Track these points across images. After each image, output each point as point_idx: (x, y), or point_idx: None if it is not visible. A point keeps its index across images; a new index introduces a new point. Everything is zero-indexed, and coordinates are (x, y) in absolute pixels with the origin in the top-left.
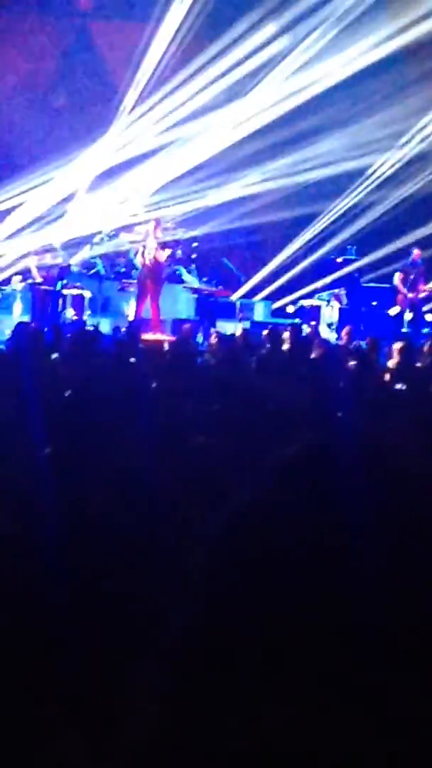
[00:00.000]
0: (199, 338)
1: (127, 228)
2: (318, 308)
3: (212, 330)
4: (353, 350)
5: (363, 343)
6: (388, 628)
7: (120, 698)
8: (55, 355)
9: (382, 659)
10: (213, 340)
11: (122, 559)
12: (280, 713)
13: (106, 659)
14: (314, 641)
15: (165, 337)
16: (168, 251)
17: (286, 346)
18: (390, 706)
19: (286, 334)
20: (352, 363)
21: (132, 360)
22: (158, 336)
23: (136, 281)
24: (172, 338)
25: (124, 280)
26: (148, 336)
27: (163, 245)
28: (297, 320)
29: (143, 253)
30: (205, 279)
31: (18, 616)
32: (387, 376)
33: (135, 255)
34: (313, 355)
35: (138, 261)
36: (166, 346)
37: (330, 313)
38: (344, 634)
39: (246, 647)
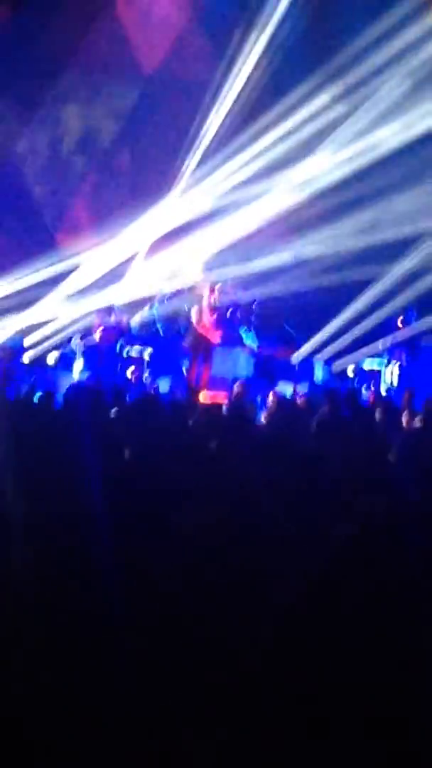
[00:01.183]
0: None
1: (187, 289)
2: (379, 371)
3: (270, 393)
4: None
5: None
6: None
7: None
8: (114, 411)
9: None
10: (271, 401)
11: (180, 632)
12: None
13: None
14: None
15: (221, 399)
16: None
17: (345, 409)
18: None
19: (343, 397)
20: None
21: (191, 422)
22: (214, 397)
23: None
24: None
25: (183, 341)
26: (204, 397)
27: (220, 308)
28: (356, 382)
29: (197, 316)
30: (264, 340)
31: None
32: None
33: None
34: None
35: (194, 323)
36: (224, 408)
37: (390, 375)
38: None
39: None
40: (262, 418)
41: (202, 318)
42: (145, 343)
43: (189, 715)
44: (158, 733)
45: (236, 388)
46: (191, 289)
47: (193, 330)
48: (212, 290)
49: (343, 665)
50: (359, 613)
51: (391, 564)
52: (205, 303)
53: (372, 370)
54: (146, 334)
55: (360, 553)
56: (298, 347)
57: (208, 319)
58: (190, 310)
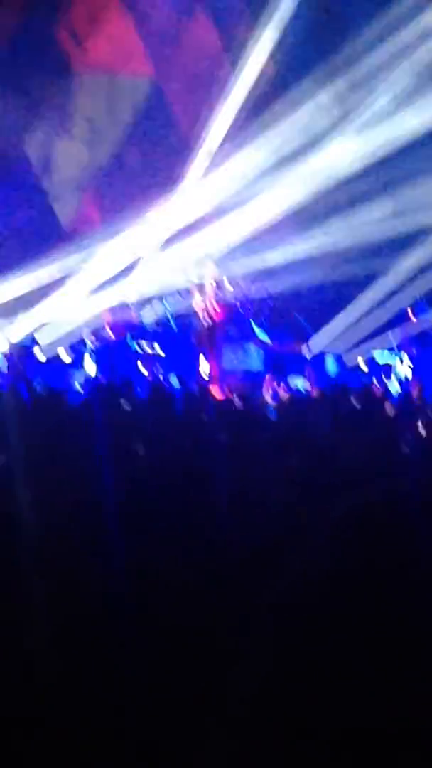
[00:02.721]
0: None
1: (199, 285)
2: (391, 363)
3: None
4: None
5: None
6: None
7: None
8: (126, 406)
9: None
10: (283, 394)
11: (188, 615)
12: None
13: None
14: None
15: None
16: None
17: (355, 403)
18: None
19: (356, 391)
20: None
21: (205, 416)
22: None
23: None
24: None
25: (195, 337)
26: (216, 391)
27: (231, 303)
28: (366, 373)
29: (204, 310)
30: (275, 334)
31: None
32: None
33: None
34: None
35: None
36: (236, 402)
37: (402, 367)
38: None
39: None
40: (274, 411)
41: (207, 311)
42: (157, 338)
43: (194, 723)
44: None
45: (247, 384)
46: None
47: (199, 324)
48: (218, 285)
49: (353, 669)
50: (367, 605)
51: (398, 554)
52: (209, 297)
53: (384, 363)
54: (158, 329)
55: (368, 545)
56: (309, 340)
57: (214, 313)
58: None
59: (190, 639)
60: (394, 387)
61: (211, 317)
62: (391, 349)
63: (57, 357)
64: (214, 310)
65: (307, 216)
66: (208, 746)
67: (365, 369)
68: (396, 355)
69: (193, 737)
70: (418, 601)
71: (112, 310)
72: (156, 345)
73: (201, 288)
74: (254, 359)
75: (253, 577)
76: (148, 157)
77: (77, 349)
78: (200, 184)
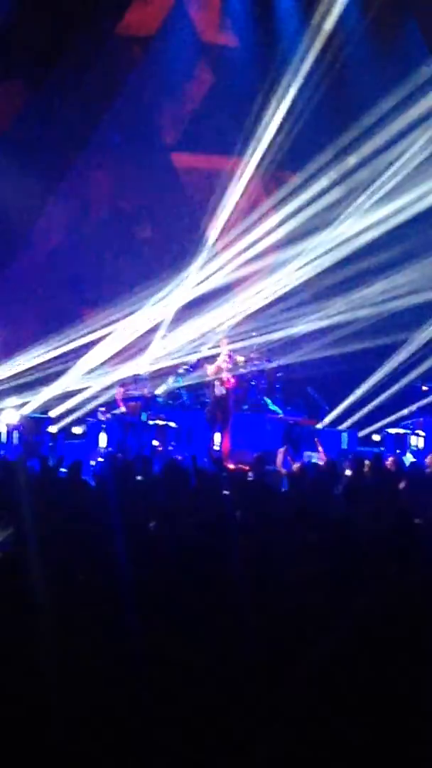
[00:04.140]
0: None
1: (211, 359)
2: (405, 436)
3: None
4: None
5: None
6: None
7: None
8: (140, 479)
9: None
10: (296, 467)
11: (207, 697)
12: None
13: None
14: None
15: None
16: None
17: (369, 474)
18: None
19: (368, 463)
20: None
21: (224, 492)
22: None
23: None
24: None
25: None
26: (228, 464)
27: (244, 376)
28: (382, 449)
29: (215, 384)
30: (289, 408)
31: None
32: None
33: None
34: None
35: (216, 392)
36: (249, 475)
37: (417, 441)
38: None
39: None
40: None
41: (220, 385)
42: (169, 412)
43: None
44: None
45: (256, 457)
46: (218, 357)
47: (212, 397)
48: (229, 358)
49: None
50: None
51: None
52: (223, 370)
53: (398, 434)
54: (171, 404)
55: (387, 626)
56: (324, 416)
57: (227, 386)
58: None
59: (205, 722)
60: (409, 461)
61: (223, 390)
62: (405, 424)
63: (69, 430)
64: (227, 383)
65: (320, 290)
66: None
67: (379, 442)
68: (410, 429)
69: None
70: None
71: (125, 384)
72: (169, 420)
73: (214, 362)
74: (269, 433)
75: (270, 654)
76: (162, 234)
77: (90, 423)
78: (213, 259)
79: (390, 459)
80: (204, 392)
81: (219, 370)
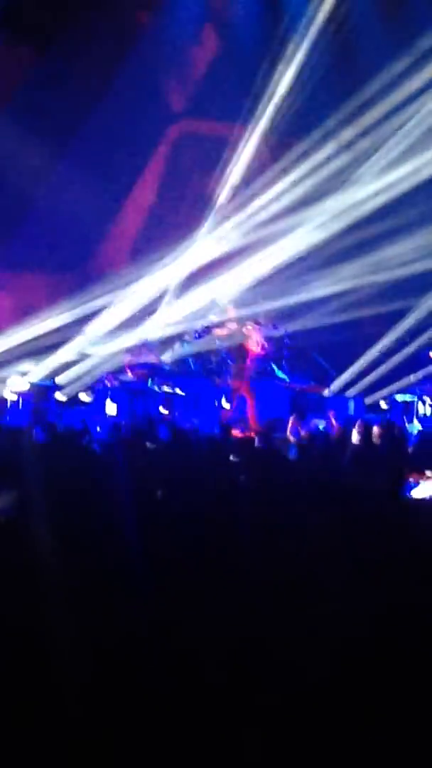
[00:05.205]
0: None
1: (218, 325)
2: (412, 403)
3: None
4: None
5: None
6: None
7: None
8: (147, 447)
9: None
10: (304, 435)
11: (213, 666)
12: None
13: None
14: None
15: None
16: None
17: (377, 441)
18: None
19: (376, 429)
20: None
21: (226, 457)
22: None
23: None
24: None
25: (215, 378)
26: (235, 431)
27: (251, 344)
28: (389, 414)
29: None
30: (296, 375)
31: None
32: None
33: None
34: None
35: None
36: (257, 442)
37: (424, 408)
38: None
39: None
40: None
41: (247, 357)
42: (177, 379)
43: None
44: None
45: (266, 424)
46: (222, 324)
47: (219, 365)
48: (237, 326)
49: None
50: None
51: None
52: (253, 343)
53: (405, 401)
54: (178, 371)
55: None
56: (330, 382)
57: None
58: (230, 348)
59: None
60: (416, 427)
61: (231, 358)
62: (412, 390)
63: (77, 398)
64: (234, 351)
65: (327, 256)
66: None
67: (387, 410)
68: (417, 396)
69: None
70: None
71: (132, 351)
72: (176, 387)
73: (221, 329)
74: (276, 400)
75: (277, 622)
76: (168, 200)
77: (97, 390)
78: (220, 226)
79: (400, 427)
80: (210, 359)
81: (227, 342)
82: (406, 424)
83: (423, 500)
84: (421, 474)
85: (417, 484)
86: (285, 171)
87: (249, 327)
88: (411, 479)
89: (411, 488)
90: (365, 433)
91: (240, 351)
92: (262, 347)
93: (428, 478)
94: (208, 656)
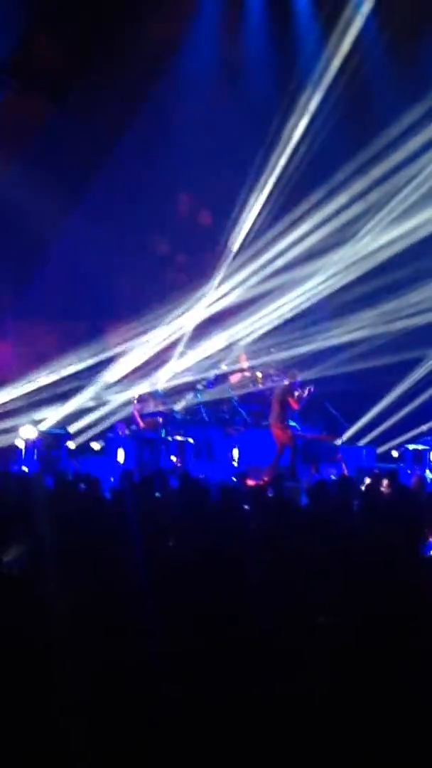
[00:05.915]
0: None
1: (231, 374)
2: (425, 453)
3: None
4: None
5: None
6: None
7: None
8: (158, 496)
9: None
10: (315, 483)
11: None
12: None
13: None
14: None
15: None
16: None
17: (386, 491)
18: None
19: (385, 481)
20: None
21: (238, 506)
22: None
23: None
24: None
25: (227, 427)
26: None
27: (263, 392)
28: (401, 464)
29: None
30: (308, 424)
31: None
32: None
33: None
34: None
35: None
36: (270, 491)
37: None
38: None
39: None
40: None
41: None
42: (188, 428)
43: None
44: None
45: (276, 473)
46: (237, 373)
47: (231, 414)
48: (249, 374)
49: None
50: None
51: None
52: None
53: (416, 450)
54: (190, 420)
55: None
56: (342, 432)
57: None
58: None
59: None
60: (429, 477)
61: (243, 407)
62: (424, 440)
63: (88, 446)
64: (247, 399)
65: (338, 306)
66: None
67: (398, 457)
68: (429, 445)
69: None
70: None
71: (143, 400)
72: (188, 436)
73: (233, 378)
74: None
75: (284, 669)
76: (181, 250)
77: (108, 438)
78: (233, 275)
79: (415, 478)
80: (222, 408)
81: (239, 391)
82: (427, 472)
83: None
84: None
85: None
86: (297, 221)
87: (242, 376)
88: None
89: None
90: (374, 482)
91: (283, 396)
92: (299, 401)
93: None
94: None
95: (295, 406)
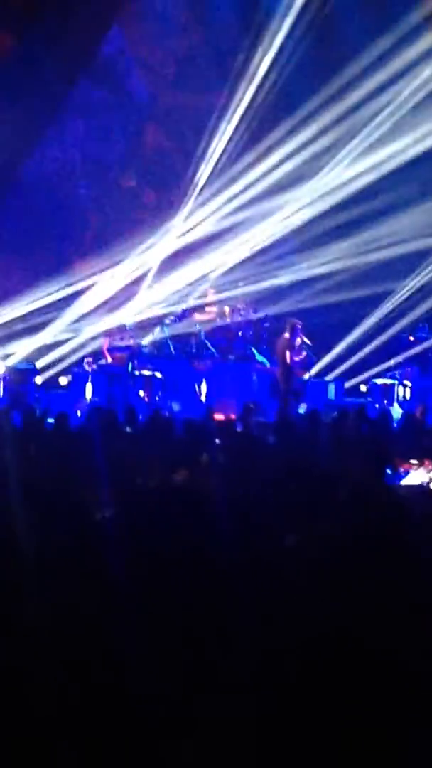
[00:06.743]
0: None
1: (198, 309)
2: (392, 387)
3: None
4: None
5: None
6: None
7: None
8: (125, 431)
9: None
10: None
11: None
12: None
13: None
14: None
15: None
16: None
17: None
18: None
19: (353, 414)
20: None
21: (205, 440)
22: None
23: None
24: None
25: (194, 361)
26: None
27: (230, 326)
28: (369, 399)
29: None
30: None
31: None
32: None
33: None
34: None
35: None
36: (236, 425)
37: (403, 391)
38: None
39: None
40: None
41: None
42: (155, 362)
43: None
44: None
45: (246, 408)
46: (204, 306)
47: (198, 348)
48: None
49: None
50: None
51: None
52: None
53: (385, 384)
54: (157, 354)
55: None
56: (311, 366)
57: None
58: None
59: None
60: (396, 411)
61: (210, 341)
62: (392, 374)
63: (55, 381)
64: (214, 334)
65: (306, 239)
66: None
67: (366, 393)
68: (397, 379)
69: None
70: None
71: (111, 334)
72: (155, 370)
73: (200, 312)
74: (254, 383)
75: (250, 606)
76: (149, 182)
77: (75, 373)
78: (200, 209)
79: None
80: (190, 342)
81: (207, 325)
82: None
83: (412, 487)
84: (409, 464)
85: (407, 473)
86: (263, 155)
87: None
88: (401, 469)
89: (401, 477)
90: (342, 419)
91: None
92: (298, 350)
93: (415, 466)
94: (187, 634)
95: (296, 358)
